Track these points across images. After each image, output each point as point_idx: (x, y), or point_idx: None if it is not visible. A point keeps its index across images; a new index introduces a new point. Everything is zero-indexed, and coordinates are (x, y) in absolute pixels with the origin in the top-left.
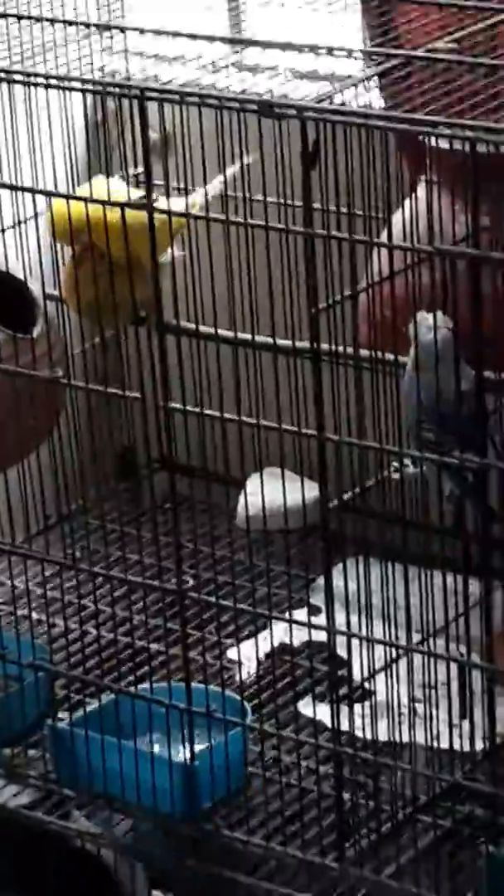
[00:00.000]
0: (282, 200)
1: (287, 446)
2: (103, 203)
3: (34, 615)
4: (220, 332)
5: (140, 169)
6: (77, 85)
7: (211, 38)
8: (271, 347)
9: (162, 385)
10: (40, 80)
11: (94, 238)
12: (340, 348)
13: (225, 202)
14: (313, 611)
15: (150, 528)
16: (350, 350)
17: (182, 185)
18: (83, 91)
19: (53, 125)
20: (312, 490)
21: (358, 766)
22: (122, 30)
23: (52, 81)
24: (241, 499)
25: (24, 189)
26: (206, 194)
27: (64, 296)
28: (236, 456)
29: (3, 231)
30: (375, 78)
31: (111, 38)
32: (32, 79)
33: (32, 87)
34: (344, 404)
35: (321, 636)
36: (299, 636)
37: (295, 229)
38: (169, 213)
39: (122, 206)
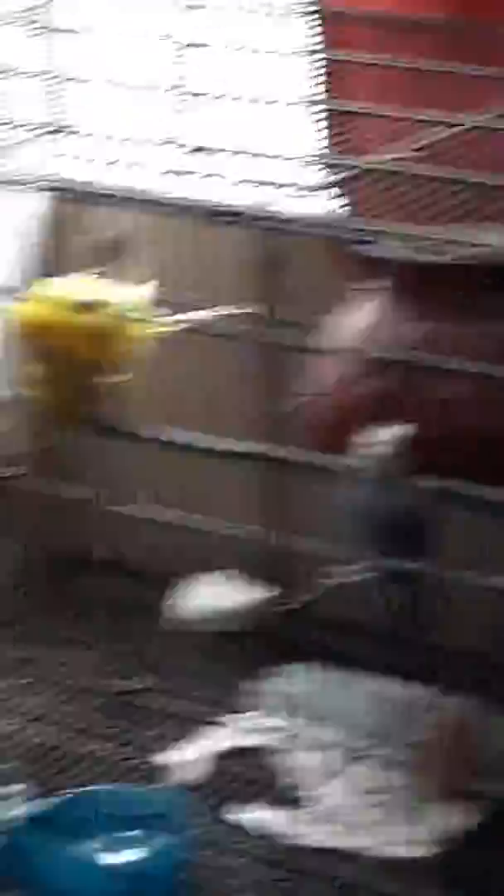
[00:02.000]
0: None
1: (235, 548)
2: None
3: None
4: (171, 436)
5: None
6: (30, 187)
7: (161, 143)
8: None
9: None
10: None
11: (53, 340)
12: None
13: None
14: (253, 716)
15: (93, 629)
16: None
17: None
18: (39, 191)
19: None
20: (252, 593)
21: (297, 872)
22: (72, 133)
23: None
24: (182, 599)
25: None
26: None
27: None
28: (176, 557)
29: None
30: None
31: (62, 140)
32: None
33: None
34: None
35: (261, 740)
36: (242, 740)
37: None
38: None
39: (76, 306)
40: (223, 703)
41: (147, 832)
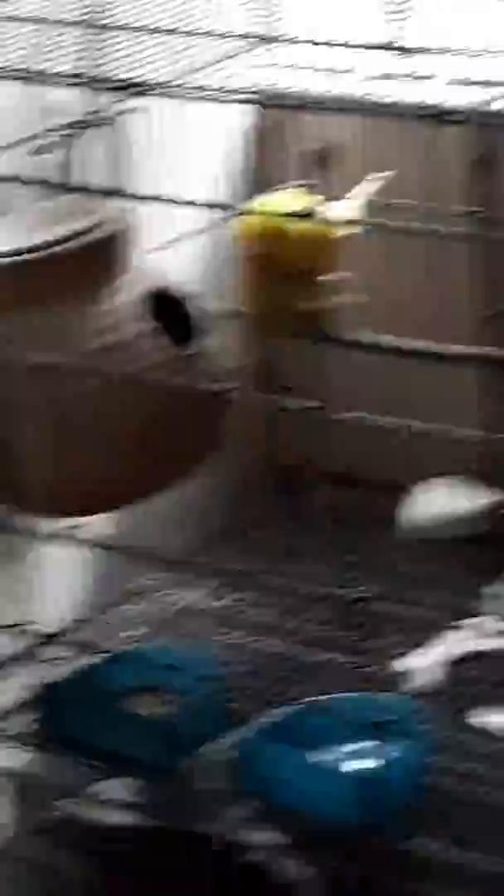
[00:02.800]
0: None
1: (462, 453)
2: (270, 214)
3: (209, 629)
4: (388, 340)
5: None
6: (246, 97)
7: (366, 47)
8: (439, 355)
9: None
10: (205, 93)
11: (270, 248)
12: None
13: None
14: (494, 619)
15: (320, 540)
16: None
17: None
18: (252, 103)
19: (215, 139)
20: (482, 498)
21: None
22: (287, 42)
23: (216, 94)
24: (412, 507)
25: (189, 203)
26: (366, 196)
27: (241, 306)
28: (402, 464)
29: (166, 246)
30: None
31: (269, 50)
32: (197, 93)
33: (196, 101)
34: None
35: (495, 644)
36: (475, 644)
37: (468, 233)
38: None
39: (286, 216)
40: (458, 609)
41: (386, 739)
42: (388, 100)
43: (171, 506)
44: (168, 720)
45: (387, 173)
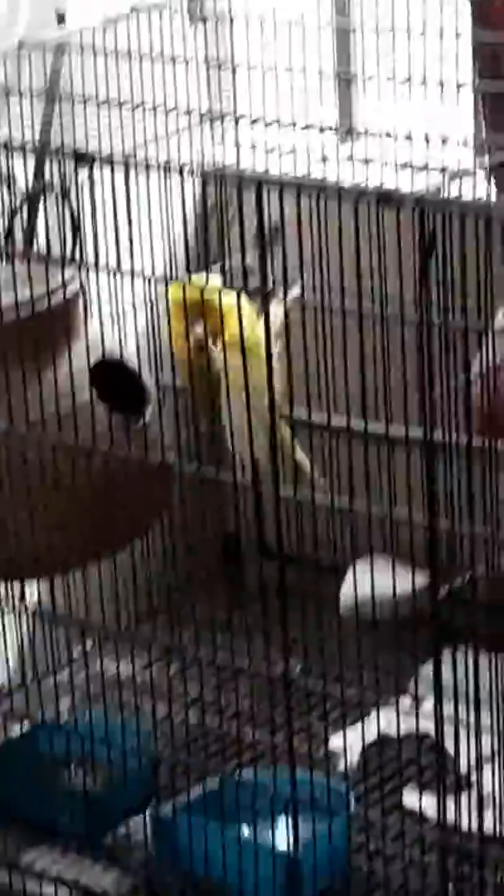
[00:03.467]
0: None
1: (395, 533)
2: (221, 288)
3: (139, 701)
4: (333, 421)
5: (248, 259)
6: (195, 173)
7: (321, 129)
8: (384, 437)
9: (273, 473)
10: (154, 166)
11: (211, 325)
12: (453, 438)
13: (342, 292)
14: (417, 700)
15: (256, 616)
16: (463, 440)
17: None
18: (201, 179)
19: (165, 213)
20: (418, 578)
21: (463, 857)
22: (235, 119)
23: (170, 168)
24: (347, 586)
25: (142, 275)
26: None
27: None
28: (340, 544)
29: (115, 317)
30: (488, 169)
31: (222, 128)
32: (150, 166)
33: (144, 175)
34: (455, 493)
35: (425, 726)
36: (404, 726)
37: (410, 318)
38: (285, 299)
39: (238, 291)
40: (382, 688)
41: (310, 817)
42: (333, 181)
43: (108, 575)
44: (97, 791)
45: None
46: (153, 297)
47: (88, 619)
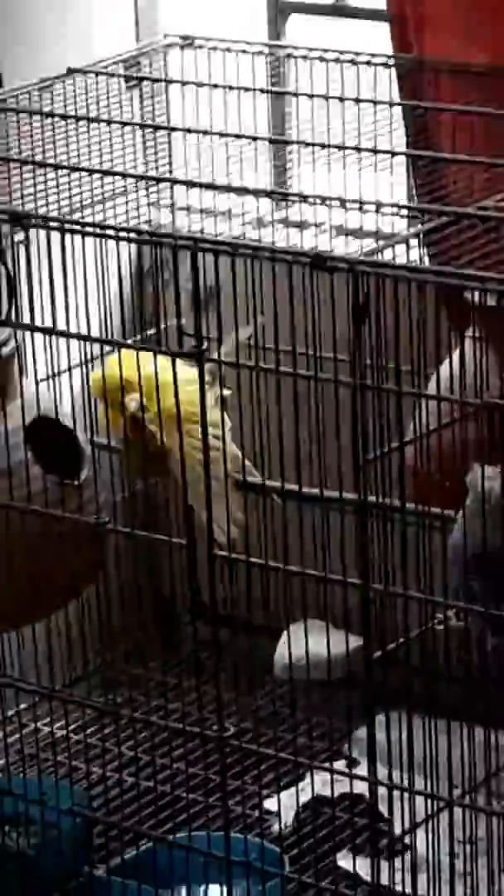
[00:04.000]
0: (328, 354)
1: (329, 597)
2: (156, 351)
3: (73, 761)
4: (267, 483)
5: (183, 320)
6: (131, 235)
7: (256, 193)
8: (317, 499)
9: (209, 533)
10: (95, 229)
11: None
12: (387, 500)
13: (276, 353)
14: (351, 763)
15: (189, 677)
16: (396, 502)
17: (220, 337)
18: (137, 242)
19: (103, 274)
20: (352, 641)
21: None
22: (171, 183)
23: (107, 231)
24: (281, 648)
25: (77, 336)
26: (235, 341)
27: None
28: (274, 605)
29: (50, 377)
30: (420, 235)
31: (157, 191)
32: (86, 228)
33: (80, 237)
34: (389, 555)
35: (359, 787)
36: (338, 787)
37: (344, 381)
38: (219, 362)
39: (174, 355)
40: (316, 750)
41: (239, 879)
42: (267, 244)
43: (43, 635)
44: (30, 853)
45: (260, 320)
46: (89, 358)
47: (22, 679)
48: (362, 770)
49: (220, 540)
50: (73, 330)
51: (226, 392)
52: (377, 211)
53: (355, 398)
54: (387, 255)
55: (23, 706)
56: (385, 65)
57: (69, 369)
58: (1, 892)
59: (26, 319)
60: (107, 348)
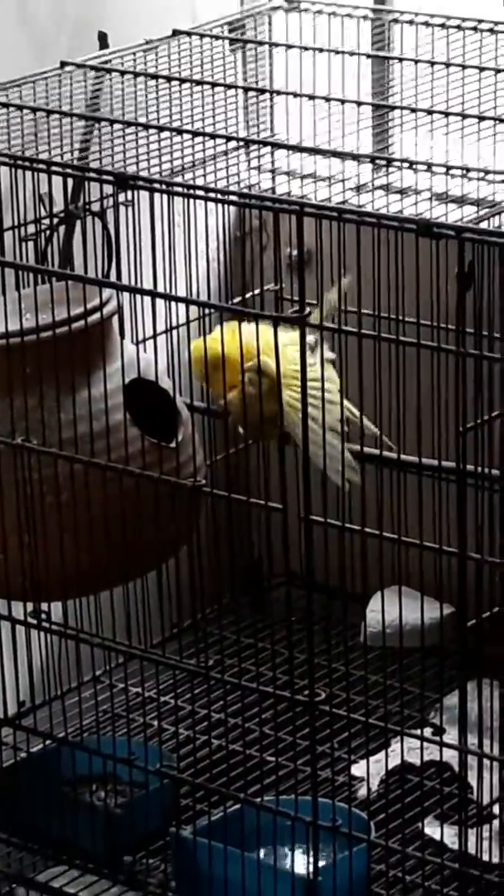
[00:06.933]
0: (434, 323)
1: (424, 565)
2: (257, 315)
3: (161, 722)
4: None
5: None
6: (236, 199)
7: (357, 158)
8: (416, 466)
9: (305, 497)
10: (191, 190)
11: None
12: (486, 470)
13: (378, 322)
14: (439, 731)
15: (280, 641)
16: (496, 472)
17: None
18: (242, 205)
19: (202, 236)
20: (444, 609)
21: (483, 888)
22: (273, 147)
23: (210, 194)
24: (373, 615)
25: (177, 299)
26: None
27: (233, 417)
28: (369, 572)
29: (151, 339)
30: None
31: (258, 155)
32: (192, 191)
33: (185, 199)
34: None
35: (446, 756)
36: (425, 755)
37: (446, 348)
38: (321, 327)
39: (274, 318)
40: (406, 718)
41: (329, 844)
42: (370, 209)
43: (133, 596)
44: (116, 811)
45: (345, 281)
46: (188, 320)
47: (113, 639)
48: (448, 738)
49: (334, 480)
50: (172, 292)
51: (331, 355)
52: (483, 178)
53: (458, 366)
54: (492, 224)
55: (113, 666)
56: (491, 31)
57: (167, 330)
58: (88, 850)
59: (127, 281)
60: (205, 311)
